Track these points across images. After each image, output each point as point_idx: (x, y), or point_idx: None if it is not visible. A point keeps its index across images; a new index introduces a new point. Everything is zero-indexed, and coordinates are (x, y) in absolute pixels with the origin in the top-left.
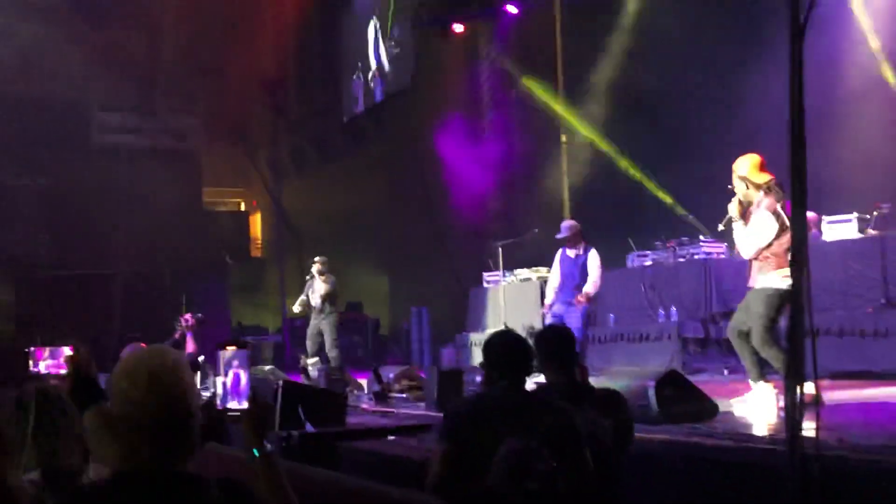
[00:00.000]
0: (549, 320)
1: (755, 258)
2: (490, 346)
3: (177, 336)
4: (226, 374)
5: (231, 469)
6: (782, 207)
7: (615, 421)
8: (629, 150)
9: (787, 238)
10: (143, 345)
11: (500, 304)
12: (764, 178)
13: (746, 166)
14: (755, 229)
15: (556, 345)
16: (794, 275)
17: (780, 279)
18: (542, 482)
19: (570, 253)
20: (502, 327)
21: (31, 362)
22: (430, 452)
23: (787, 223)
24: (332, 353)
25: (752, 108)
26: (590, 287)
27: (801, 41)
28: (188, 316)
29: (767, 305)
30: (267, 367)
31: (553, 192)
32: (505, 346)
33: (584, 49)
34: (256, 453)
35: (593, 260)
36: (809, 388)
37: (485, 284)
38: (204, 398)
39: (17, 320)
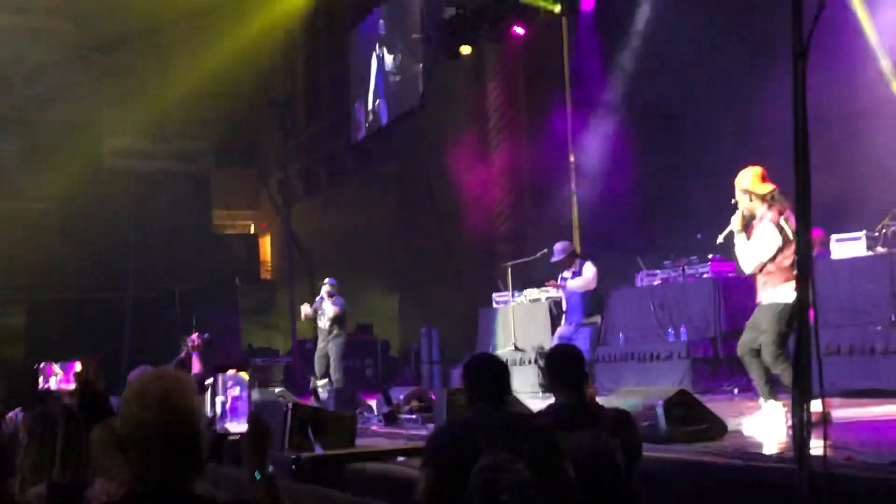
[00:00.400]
0: (555, 342)
1: (759, 272)
2: (467, 369)
3: (182, 356)
4: (226, 396)
5: (231, 490)
6: (787, 219)
7: (624, 440)
8: (640, 168)
9: (791, 251)
10: (150, 368)
11: (510, 324)
12: (767, 188)
13: (749, 178)
14: (758, 242)
15: (564, 365)
16: (800, 290)
17: (788, 293)
18: (514, 494)
19: (567, 274)
20: (511, 348)
21: (41, 379)
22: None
23: (791, 236)
24: (335, 375)
25: (767, 123)
26: (577, 283)
27: (805, 60)
28: (194, 336)
29: (777, 320)
30: (277, 389)
31: (563, 211)
32: (481, 369)
33: (594, 66)
34: (258, 475)
35: (588, 268)
36: (818, 405)
37: (494, 305)
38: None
39: (27, 342)
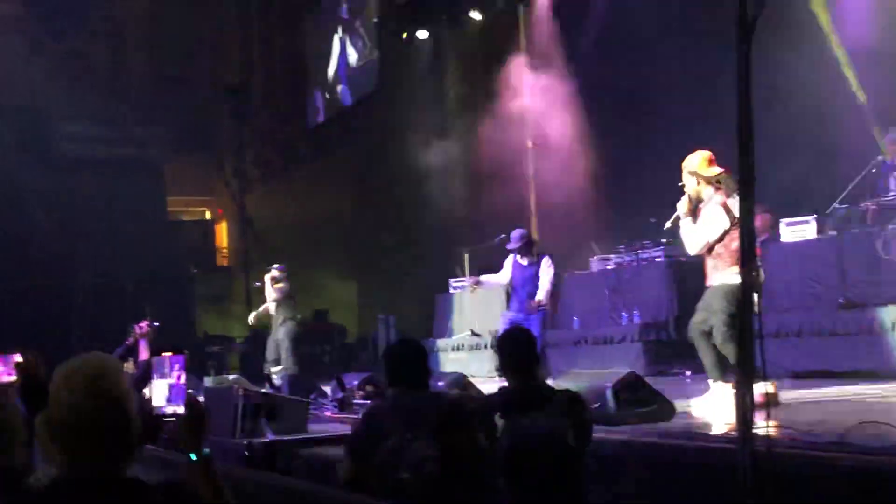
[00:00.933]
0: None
1: (705, 254)
2: (385, 356)
3: (129, 343)
4: (163, 380)
5: (169, 473)
6: (735, 202)
7: (575, 422)
8: (596, 153)
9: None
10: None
11: (466, 309)
12: (714, 171)
13: (696, 161)
14: (705, 223)
15: (516, 348)
16: (744, 273)
17: (737, 275)
18: (414, 470)
19: (523, 261)
20: (468, 333)
21: None
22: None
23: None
24: (287, 361)
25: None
26: (541, 294)
27: (750, 41)
28: (143, 323)
29: (727, 301)
30: (232, 377)
31: (520, 196)
32: (397, 355)
33: (551, 50)
34: (194, 457)
35: (546, 268)
36: (765, 387)
37: (451, 290)
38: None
39: None
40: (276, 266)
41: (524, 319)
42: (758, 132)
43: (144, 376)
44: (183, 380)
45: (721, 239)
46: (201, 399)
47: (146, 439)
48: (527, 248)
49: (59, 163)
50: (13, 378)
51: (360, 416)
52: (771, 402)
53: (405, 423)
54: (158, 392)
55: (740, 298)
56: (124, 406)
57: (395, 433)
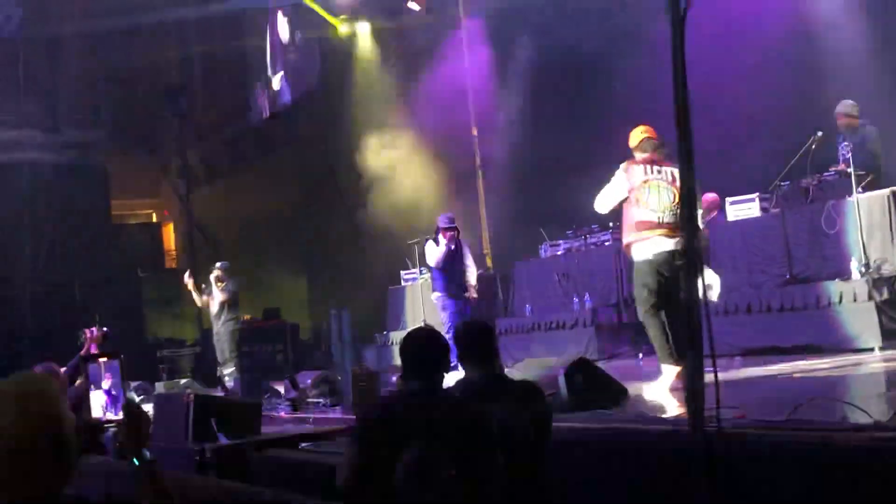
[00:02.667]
0: (448, 316)
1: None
2: (403, 344)
3: (83, 352)
4: (99, 386)
5: (113, 481)
6: (633, 168)
7: (534, 412)
8: (541, 138)
9: (640, 205)
10: (54, 364)
11: (419, 301)
12: (635, 140)
13: (630, 137)
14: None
15: (474, 339)
16: (688, 251)
17: (637, 250)
18: (442, 491)
19: (451, 244)
20: (421, 324)
21: None
22: (343, 456)
23: (639, 184)
24: (229, 364)
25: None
26: (472, 278)
27: (683, 26)
28: (94, 329)
29: (632, 280)
30: (183, 381)
31: (468, 184)
32: (416, 345)
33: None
34: (137, 463)
35: (468, 249)
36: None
37: (402, 283)
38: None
39: None
40: (219, 264)
41: (463, 306)
42: (698, 112)
43: (74, 376)
44: (118, 386)
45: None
46: (150, 405)
47: (87, 450)
48: (451, 231)
49: None
50: None
51: (366, 409)
52: (717, 380)
53: (424, 428)
54: (96, 400)
55: (685, 278)
56: (57, 424)
57: (415, 434)
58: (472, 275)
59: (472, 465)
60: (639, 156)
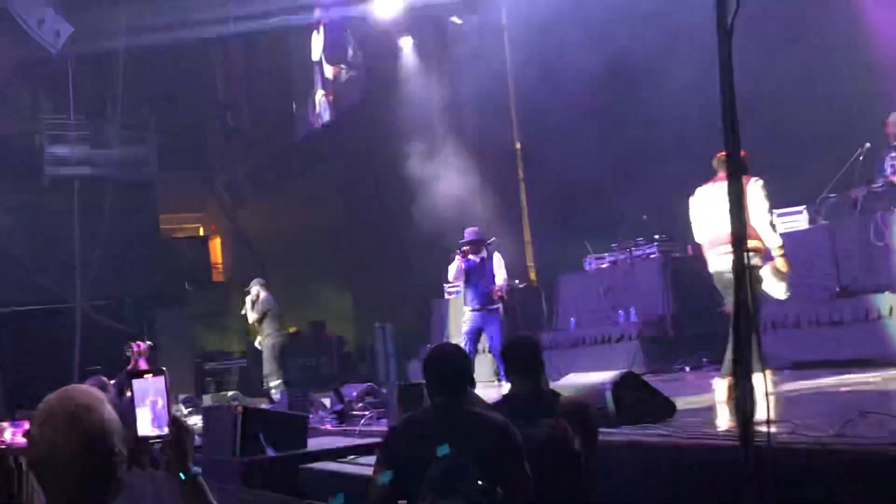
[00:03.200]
0: (467, 330)
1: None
2: (426, 361)
3: (129, 367)
4: (144, 402)
5: (159, 495)
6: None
7: (581, 427)
8: (585, 152)
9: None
10: (104, 378)
11: (461, 314)
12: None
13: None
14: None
15: (520, 354)
16: (737, 263)
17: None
18: (469, 498)
19: (475, 258)
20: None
21: None
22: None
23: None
24: (274, 377)
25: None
26: (500, 280)
27: (730, 41)
28: (140, 342)
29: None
30: (230, 393)
31: (511, 198)
32: (438, 362)
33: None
34: (183, 477)
35: (499, 260)
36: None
37: (445, 296)
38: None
39: None
40: (254, 281)
41: (484, 319)
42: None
43: (122, 390)
44: (163, 401)
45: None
46: (198, 417)
47: (133, 465)
48: (477, 246)
49: (49, 187)
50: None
51: (392, 426)
52: (767, 394)
53: (454, 443)
54: (143, 415)
55: (735, 290)
56: (107, 439)
57: (440, 454)
58: (499, 281)
59: (499, 474)
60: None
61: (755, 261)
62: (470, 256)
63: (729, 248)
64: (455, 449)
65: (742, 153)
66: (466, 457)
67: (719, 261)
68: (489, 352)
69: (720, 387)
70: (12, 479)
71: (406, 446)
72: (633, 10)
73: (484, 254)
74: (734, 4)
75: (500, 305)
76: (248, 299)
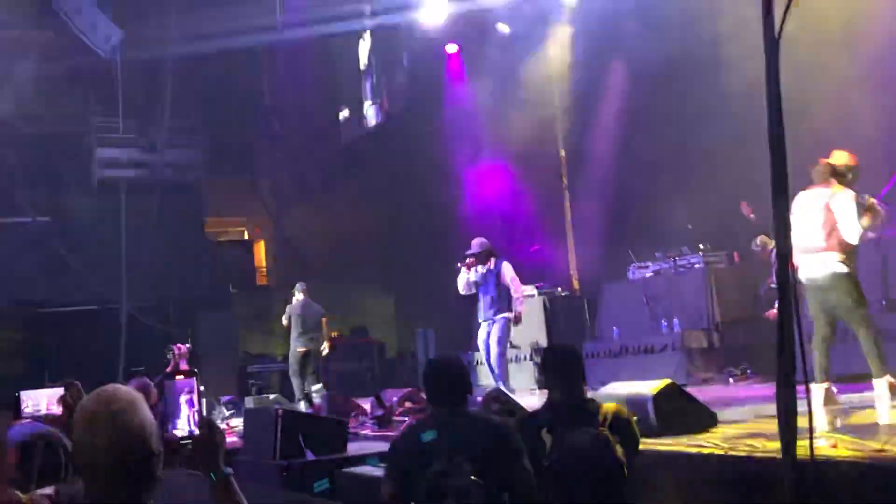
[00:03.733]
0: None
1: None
2: (425, 374)
3: (168, 368)
4: (177, 403)
5: (192, 494)
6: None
7: (622, 436)
8: (629, 159)
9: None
10: (147, 378)
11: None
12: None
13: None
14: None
15: (561, 363)
16: (780, 275)
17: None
18: (459, 497)
19: (482, 269)
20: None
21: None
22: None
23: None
24: (314, 380)
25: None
26: (518, 305)
27: (777, 50)
28: (179, 345)
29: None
30: (272, 396)
31: (554, 206)
32: (436, 375)
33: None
34: (214, 478)
35: (508, 272)
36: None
37: None
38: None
39: (25, 358)
40: (298, 285)
41: (489, 326)
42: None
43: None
44: (195, 403)
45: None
46: (239, 420)
47: (170, 463)
48: (485, 257)
49: (98, 187)
50: (59, 411)
51: (399, 433)
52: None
53: (451, 446)
54: (182, 416)
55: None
56: (146, 440)
57: (440, 455)
58: (515, 298)
59: (500, 473)
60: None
61: (843, 269)
62: (478, 268)
63: (819, 255)
64: (450, 455)
65: (838, 161)
66: (463, 456)
67: (810, 268)
68: (528, 359)
69: (817, 392)
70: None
71: (405, 457)
72: (684, 13)
73: (491, 265)
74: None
75: (508, 314)
76: (295, 300)
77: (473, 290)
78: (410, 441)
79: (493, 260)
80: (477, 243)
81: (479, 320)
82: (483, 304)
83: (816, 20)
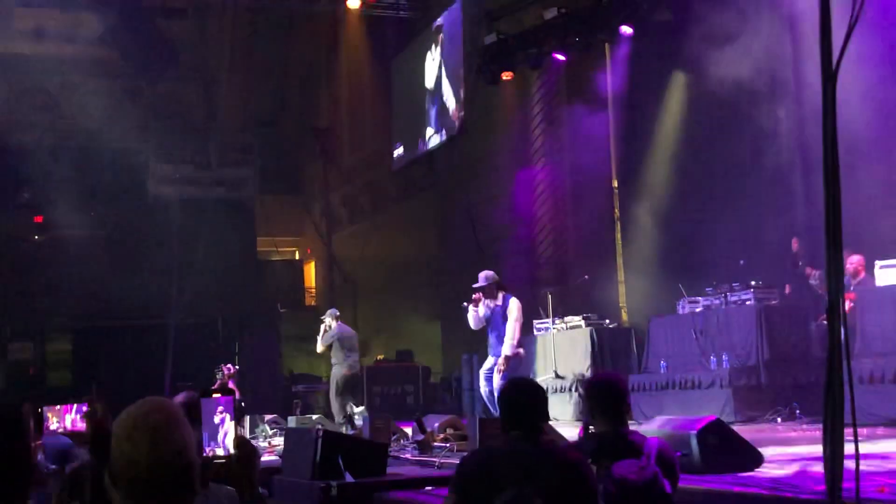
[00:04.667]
0: (483, 378)
1: None
2: (503, 395)
3: (215, 387)
4: (211, 421)
5: None
6: None
7: (665, 470)
8: (682, 193)
9: None
10: (194, 392)
11: (550, 351)
12: None
13: None
14: None
15: (605, 394)
16: (830, 317)
17: None
18: None
19: (491, 304)
20: (551, 375)
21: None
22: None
23: None
24: (332, 405)
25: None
26: (507, 349)
27: (834, 85)
28: (229, 365)
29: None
30: (315, 416)
31: (606, 237)
32: (516, 395)
33: (636, 87)
34: (248, 497)
35: (512, 312)
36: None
37: (534, 332)
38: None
39: (73, 370)
40: (329, 312)
41: (494, 364)
42: (846, 168)
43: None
44: (229, 421)
45: None
46: (281, 439)
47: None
48: (492, 291)
49: (152, 203)
50: (83, 427)
51: (465, 456)
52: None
53: (518, 474)
54: (208, 435)
55: (828, 342)
56: (186, 454)
57: (512, 482)
58: (504, 344)
59: None
60: None
61: None
62: (487, 303)
63: None
64: (521, 485)
65: None
66: (534, 489)
67: None
68: (572, 390)
69: None
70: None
71: (478, 478)
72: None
73: (499, 300)
74: (840, 45)
75: (519, 351)
76: (322, 328)
77: (485, 324)
78: (482, 462)
79: (501, 294)
80: (483, 276)
81: (490, 354)
82: (490, 340)
83: None
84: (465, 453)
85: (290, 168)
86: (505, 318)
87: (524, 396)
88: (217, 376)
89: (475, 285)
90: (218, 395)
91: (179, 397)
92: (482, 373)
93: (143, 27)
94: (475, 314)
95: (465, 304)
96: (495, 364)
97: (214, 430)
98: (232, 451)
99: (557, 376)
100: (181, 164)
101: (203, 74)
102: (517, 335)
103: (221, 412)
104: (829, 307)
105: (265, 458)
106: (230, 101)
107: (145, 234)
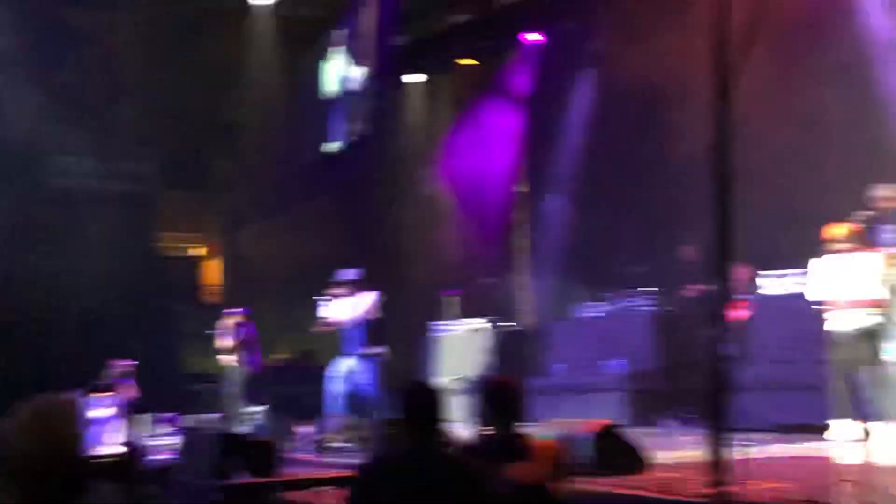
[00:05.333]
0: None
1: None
2: (400, 400)
3: (106, 383)
4: (98, 419)
5: None
6: None
7: (554, 472)
8: (592, 195)
9: None
10: (95, 393)
11: (450, 353)
12: None
13: None
14: None
15: (499, 396)
16: (715, 324)
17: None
18: None
19: (350, 300)
20: (451, 377)
21: None
22: None
23: None
24: (231, 404)
25: None
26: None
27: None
28: (124, 361)
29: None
30: (213, 415)
31: (512, 239)
32: (412, 400)
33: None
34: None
35: (363, 297)
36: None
37: (437, 334)
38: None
39: None
40: (232, 310)
41: (357, 365)
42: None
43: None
44: (117, 419)
45: None
46: (177, 438)
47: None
48: (352, 287)
49: (51, 196)
50: None
51: (364, 463)
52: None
53: (415, 485)
54: (94, 433)
55: (712, 349)
56: (77, 446)
57: (408, 489)
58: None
59: None
60: None
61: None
62: (348, 299)
63: None
64: (416, 492)
65: None
66: (427, 499)
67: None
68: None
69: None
70: None
71: (371, 487)
72: None
73: (361, 296)
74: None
75: (378, 350)
76: (224, 325)
77: (343, 321)
78: (377, 472)
79: (361, 292)
80: (345, 272)
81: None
82: (346, 337)
83: None
84: (365, 455)
85: (196, 164)
86: (366, 316)
87: (420, 400)
88: (108, 373)
89: (336, 279)
90: (107, 393)
91: (68, 395)
92: (339, 372)
93: (47, 15)
94: (336, 310)
95: (320, 297)
96: (353, 364)
97: (100, 428)
98: (120, 448)
99: (457, 378)
100: (82, 156)
101: (107, 65)
102: (367, 314)
103: (110, 410)
104: (714, 315)
105: (160, 456)
106: (134, 93)
107: (43, 227)
